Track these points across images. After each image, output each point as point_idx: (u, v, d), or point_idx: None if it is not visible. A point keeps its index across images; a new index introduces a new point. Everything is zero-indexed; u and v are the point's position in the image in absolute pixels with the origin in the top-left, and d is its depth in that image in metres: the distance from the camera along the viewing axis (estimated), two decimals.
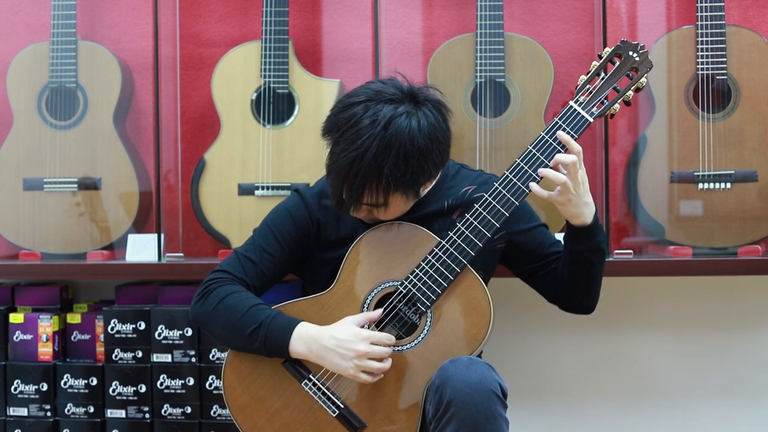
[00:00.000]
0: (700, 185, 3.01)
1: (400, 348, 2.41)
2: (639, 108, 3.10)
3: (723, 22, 2.98)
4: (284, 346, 2.40)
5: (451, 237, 2.39)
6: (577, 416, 3.27)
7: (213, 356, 3.02)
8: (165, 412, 3.03)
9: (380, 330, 2.42)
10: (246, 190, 3.10)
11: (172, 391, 3.03)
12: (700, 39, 2.99)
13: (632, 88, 2.43)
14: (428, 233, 2.44)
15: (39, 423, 3.08)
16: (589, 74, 2.43)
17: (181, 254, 3.16)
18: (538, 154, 2.39)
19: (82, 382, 3.07)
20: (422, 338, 2.40)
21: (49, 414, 3.08)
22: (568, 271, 2.53)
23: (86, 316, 3.15)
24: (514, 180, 2.39)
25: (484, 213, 2.39)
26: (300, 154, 3.09)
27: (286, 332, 2.41)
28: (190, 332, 3.03)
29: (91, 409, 3.07)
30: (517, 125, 3.05)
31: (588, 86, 2.42)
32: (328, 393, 2.43)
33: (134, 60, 3.28)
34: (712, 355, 3.23)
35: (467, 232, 2.39)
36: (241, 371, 2.48)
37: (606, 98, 2.41)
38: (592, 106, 2.41)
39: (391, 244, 2.45)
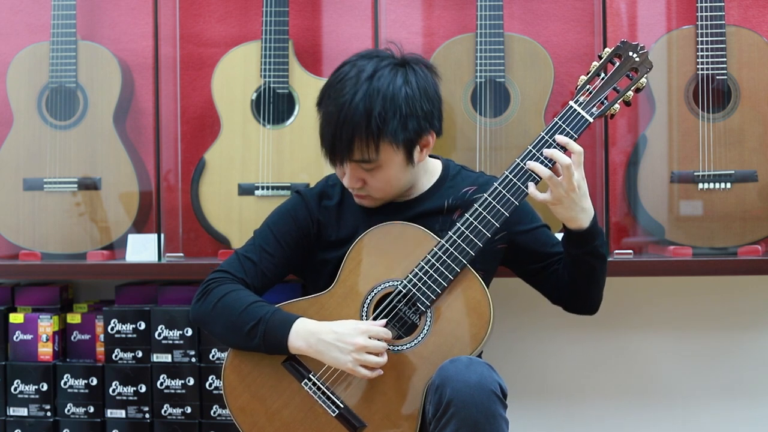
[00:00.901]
0: (700, 185, 3.01)
1: (399, 348, 2.41)
2: (639, 108, 3.10)
3: (723, 22, 2.98)
4: (283, 341, 2.40)
5: (451, 237, 2.39)
6: (577, 416, 3.27)
7: (213, 356, 3.03)
8: (165, 412, 3.03)
9: None
10: (246, 190, 3.10)
11: (172, 391, 3.03)
12: (700, 39, 2.99)
13: (632, 88, 2.43)
14: (428, 233, 2.44)
15: (39, 423, 3.08)
16: (589, 74, 2.43)
17: (181, 254, 3.17)
18: (537, 154, 2.39)
19: (82, 382, 3.07)
20: (422, 338, 2.40)
21: (49, 414, 3.08)
22: (568, 273, 2.54)
23: (86, 316, 3.15)
24: (514, 180, 2.39)
25: (484, 213, 2.39)
26: (300, 154, 3.09)
27: (284, 327, 2.41)
28: (190, 332, 3.03)
29: (91, 409, 3.07)
30: (517, 125, 3.05)
31: (588, 86, 2.42)
32: (328, 393, 2.43)
33: (134, 60, 3.28)
34: (712, 355, 3.23)
35: (467, 232, 2.39)
36: (241, 371, 2.48)
37: (606, 98, 2.41)
38: (592, 107, 2.41)
39: (391, 244, 2.45)
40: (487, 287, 2.42)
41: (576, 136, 2.38)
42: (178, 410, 3.03)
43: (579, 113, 2.40)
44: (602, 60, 2.43)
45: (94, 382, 3.07)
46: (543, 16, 3.20)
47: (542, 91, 3.06)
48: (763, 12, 3.13)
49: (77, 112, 3.18)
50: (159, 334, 3.04)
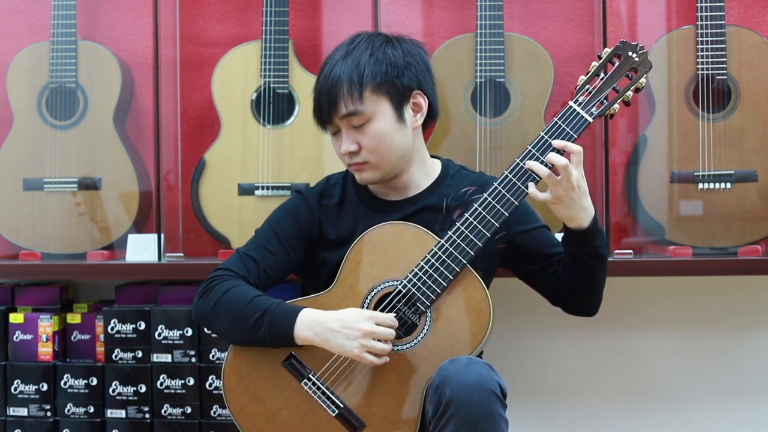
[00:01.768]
0: (700, 185, 3.01)
1: (399, 348, 2.41)
2: (639, 108, 3.10)
3: (723, 22, 2.98)
4: (289, 331, 2.40)
5: (451, 237, 2.39)
6: (577, 416, 3.27)
7: (213, 356, 3.03)
8: (165, 412, 3.03)
9: None
10: (246, 190, 3.10)
11: (172, 391, 3.03)
12: (700, 39, 2.99)
13: (632, 88, 2.42)
14: (428, 233, 2.44)
15: (39, 423, 3.08)
16: (589, 74, 2.43)
17: (181, 254, 3.17)
18: (537, 154, 2.38)
19: (82, 382, 3.07)
20: (422, 338, 2.40)
21: (49, 414, 3.09)
22: (568, 273, 2.53)
23: (86, 316, 3.15)
24: (514, 180, 2.39)
25: (484, 213, 2.39)
26: (300, 154, 3.09)
27: (290, 317, 2.41)
28: (190, 332, 3.03)
29: (91, 409, 3.07)
30: (517, 125, 3.05)
31: (587, 86, 2.42)
32: (328, 392, 2.43)
33: (134, 60, 3.28)
34: (712, 355, 3.23)
35: (467, 232, 2.39)
36: (241, 371, 2.48)
37: (605, 98, 2.41)
38: (592, 107, 2.41)
39: (390, 243, 2.45)
40: (487, 287, 2.42)
41: (576, 136, 2.38)
42: (178, 410, 3.03)
43: (578, 113, 2.40)
44: (602, 60, 2.43)
45: (94, 382, 3.07)
46: (543, 16, 3.20)
47: (542, 91, 3.06)
48: (763, 12, 3.13)
49: (77, 112, 3.18)
50: (159, 334, 3.04)
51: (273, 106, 3.11)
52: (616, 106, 2.42)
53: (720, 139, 3.00)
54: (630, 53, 2.43)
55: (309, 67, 3.15)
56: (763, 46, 3.02)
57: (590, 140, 3.09)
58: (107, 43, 3.25)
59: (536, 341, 3.26)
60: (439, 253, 2.39)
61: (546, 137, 2.39)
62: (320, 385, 2.43)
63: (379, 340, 2.37)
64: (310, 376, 2.44)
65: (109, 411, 3.06)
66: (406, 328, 2.42)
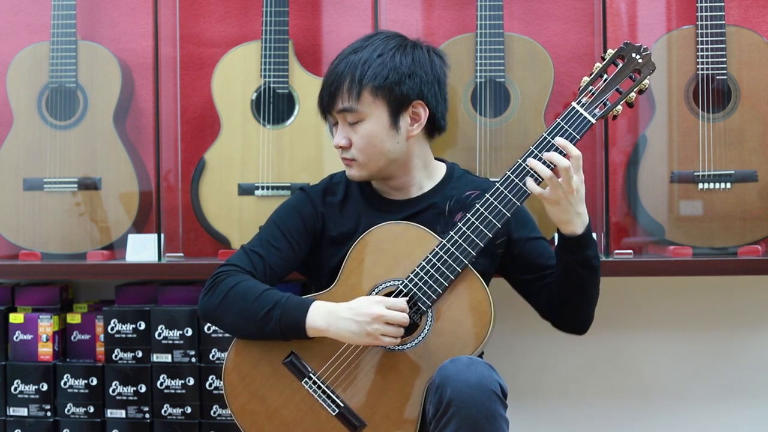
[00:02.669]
0: (700, 185, 3.01)
1: (400, 347, 2.41)
2: (639, 108, 3.10)
3: (723, 22, 2.99)
4: (301, 322, 2.40)
5: (452, 236, 2.39)
6: (577, 416, 3.27)
7: (213, 356, 3.02)
8: (165, 412, 3.03)
9: None
10: (246, 190, 3.10)
11: (172, 391, 3.03)
12: (700, 39, 2.99)
13: (635, 90, 2.43)
14: (429, 233, 2.44)
15: (39, 423, 3.08)
16: (592, 76, 2.43)
17: (181, 254, 3.17)
18: (540, 155, 2.38)
19: (82, 382, 3.07)
20: (423, 338, 2.40)
21: (49, 414, 3.08)
22: (558, 282, 2.52)
23: (86, 316, 3.15)
24: (516, 180, 2.39)
25: (486, 213, 2.39)
26: (300, 154, 3.09)
27: (302, 309, 2.41)
28: (190, 332, 3.03)
29: (91, 409, 3.07)
30: (517, 125, 3.05)
31: (590, 87, 2.42)
32: (329, 392, 2.43)
33: (134, 60, 3.28)
34: (712, 355, 3.23)
35: (468, 232, 2.39)
36: (242, 369, 2.48)
37: (608, 100, 2.41)
38: (595, 108, 2.41)
39: (392, 243, 2.45)
40: (488, 288, 2.42)
41: (578, 137, 2.39)
42: (178, 410, 3.03)
43: (581, 114, 2.40)
44: (605, 61, 2.43)
45: (94, 382, 3.07)
46: (543, 16, 3.20)
47: (542, 91, 3.06)
48: (763, 12, 3.14)
49: (77, 112, 3.18)
50: (159, 334, 3.04)
51: (273, 106, 3.11)
52: (619, 107, 2.42)
53: (720, 139, 3.00)
54: (634, 55, 2.43)
55: (309, 67, 3.15)
56: (763, 46, 3.02)
57: (590, 140, 3.09)
58: (107, 43, 3.25)
59: (537, 341, 3.26)
60: (441, 252, 2.39)
61: (549, 138, 2.39)
62: (321, 384, 2.43)
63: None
64: (310, 375, 2.44)
65: (109, 411, 3.06)
66: (407, 328, 2.42)
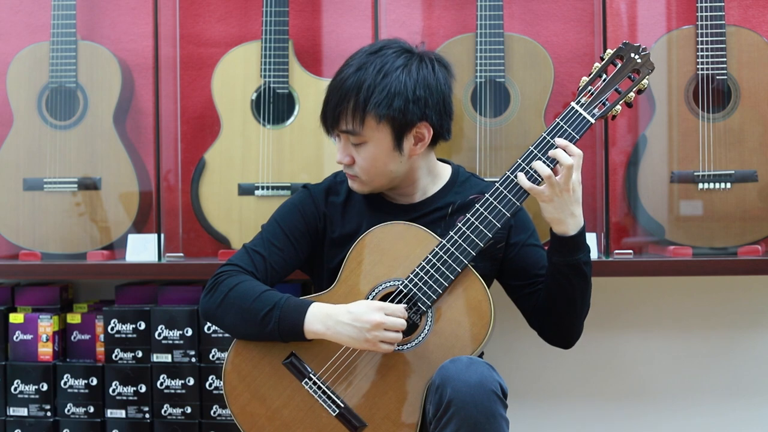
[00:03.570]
0: (700, 185, 3.01)
1: (400, 347, 2.41)
2: (639, 108, 3.10)
3: (723, 22, 2.99)
4: (299, 325, 2.40)
5: (452, 237, 2.39)
6: (577, 416, 3.27)
7: (213, 356, 3.03)
8: (165, 412, 3.03)
9: None
10: (246, 190, 3.10)
11: (172, 391, 3.03)
12: (700, 39, 2.99)
13: (634, 89, 2.43)
14: (429, 233, 2.44)
15: (39, 423, 3.08)
16: (591, 76, 2.43)
17: (181, 254, 3.17)
18: (539, 155, 2.39)
19: (82, 382, 3.07)
20: (423, 338, 2.40)
21: (49, 414, 3.09)
22: (546, 287, 2.50)
23: (86, 316, 3.15)
24: (516, 180, 2.39)
25: (485, 213, 2.39)
26: (300, 154, 3.10)
27: (300, 311, 2.40)
28: (190, 332, 3.03)
29: (91, 409, 3.07)
30: (517, 125, 3.05)
31: (590, 87, 2.42)
32: (329, 392, 2.43)
33: (134, 60, 3.28)
34: (712, 355, 3.23)
35: (468, 232, 2.39)
36: (242, 370, 2.48)
37: (607, 100, 2.41)
38: (594, 108, 2.41)
39: (392, 243, 2.45)
40: (488, 289, 2.42)
41: (577, 137, 2.39)
42: (178, 410, 3.03)
43: (581, 114, 2.40)
44: (604, 61, 2.44)
45: (94, 382, 3.07)
46: (543, 16, 3.20)
47: (542, 91, 3.06)
48: (763, 12, 3.14)
49: (77, 112, 3.18)
50: (159, 334, 3.04)
51: (273, 106, 3.11)
52: (618, 107, 2.42)
53: (720, 139, 3.00)
54: (632, 55, 2.43)
55: (309, 67, 3.15)
56: (763, 46, 3.02)
57: (590, 140, 3.10)
58: (107, 43, 3.25)
59: (537, 341, 3.23)
60: (441, 253, 2.39)
61: (548, 138, 2.39)
62: (321, 385, 2.43)
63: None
64: (310, 375, 2.44)
65: (109, 411, 3.06)
66: (407, 328, 2.42)
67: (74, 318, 3.15)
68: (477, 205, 2.40)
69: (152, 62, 3.21)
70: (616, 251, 3.05)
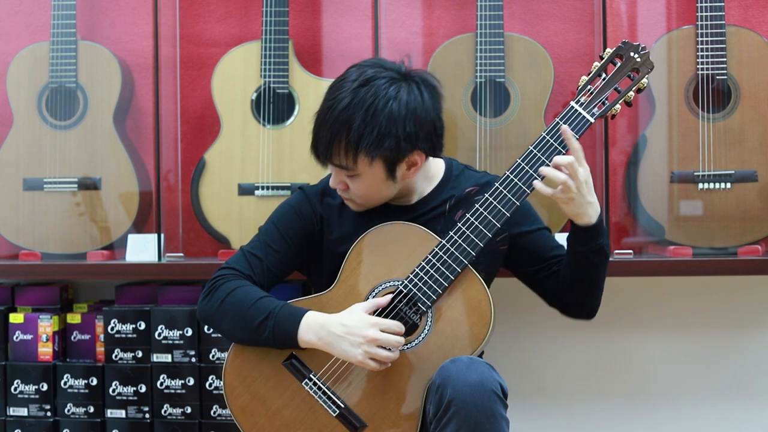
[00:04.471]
0: (700, 185, 3.01)
1: (400, 348, 2.40)
2: (639, 108, 3.10)
3: (723, 22, 2.99)
4: (293, 334, 2.40)
5: (452, 237, 2.39)
6: (577, 416, 3.27)
7: (213, 356, 3.03)
8: (165, 412, 3.03)
9: None
10: (246, 190, 3.10)
11: (172, 391, 3.03)
12: (700, 39, 2.99)
13: (633, 89, 2.43)
14: (429, 233, 2.44)
15: (39, 423, 3.08)
16: (591, 75, 2.43)
17: (181, 254, 3.17)
18: (539, 154, 2.39)
19: (82, 382, 3.07)
20: (423, 338, 2.40)
21: (49, 414, 3.09)
22: (570, 273, 2.52)
23: (86, 316, 3.15)
24: (515, 180, 2.39)
25: (485, 213, 2.39)
26: (300, 154, 3.09)
27: (294, 321, 2.40)
28: (190, 332, 3.03)
29: (91, 409, 3.07)
30: (517, 125, 3.05)
31: (589, 87, 2.42)
32: (329, 392, 2.43)
33: (134, 60, 3.28)
34: (712, 355, 3.23)
35: (468, 232, 2.39)
36: (242, 371, 2.48)
37: (607, 99, 2.41)
38: (593, 107, 2.41)
39: (392, 243, 2.45)
40: (489, 288, 2.42)
41: (577, 136, 2.38)
42: (178, 410, 3.03)
43: (580, 113, 2.40)
44: (603, 60, 2.44)
45: (94, 382, 3.07)
46: (543, 16, 3.20)
47: (542, 91, 3.06)
48: (763, 12, 3.14)
49: (77, 112, 3.18)
50: (159, 334, 3.04)
51: (273, 106, 3.11)
52: (618, 106, 2.42)
53: (720, 139, 3.00)
54: (632, 54, 2.43)
55: (309, 67, 3.15)
56: (763, 46, 3.02)
57: (590, 140, 3.09)
58: (107, 43, 3.25)
59: (537, 341, 3.26)
60: (440, 253, 2.39)
61: (548, 138, 2.39)
62: (321, 385, 2.43)
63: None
64: (310, 376, 2.44)
65: (109, 411, 3.06)
66: (407, 328, 2.42)
67: (74, 318, 3.15)
68: (477, 205, 2.40)
69: (152, 62, 3.21)
70: (617, 251, 3.05)
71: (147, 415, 3.04)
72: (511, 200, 2.39)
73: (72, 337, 3.15)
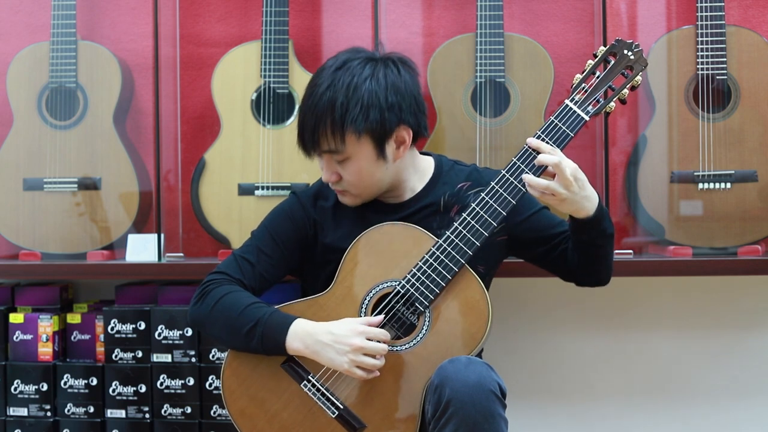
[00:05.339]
0: (700, 185, 3.01)
1: (398, 348, 2.41)
2: (639, 108, 3.10)
3: (723, 22, 2.98)
4: (281, 343, 2.40)
5: (449, 236, 2.39)
6: (576, 416, 3.27)
7: (213, 356, 3.03)
8: (165, 412, 3.03)
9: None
10: (246, 190, 3.10)
11: (172, 391, 3.03)
12: (700, 39, 2.99)
13: (627, 86, 2.43)
14: (426, 233, 2.44)
15: (39, 423, 3.08)
16: (585, 73, 2.43)
17: (181, 254, 3.17)
18: (536, 154, 2.39)
19: (82, 382, 3.08)
20: (421, 338, 2.40)
21: (49, 414, 3.09)
22: (578, 256, 2.53)
23: (86, 316, 3.15)
24: (511, 179, 2.39)
25: (482, 213, 2.39)
26: (300, 155, 3.07)
27: (282, 329, 2.41)
28: (190, 332, 3.03)
29: (91, 409, 3.07)
30: (517, 125, 3.05)
31: (583, 85, 2.43)
32: (327, 394, 2.43)
33: (134, 60, 3.28)
34: (712, 355, 3.23)
35: (464, 232, 2.39)
36: (240, 373, 2.48)
37: (601, 97, 2.42)
38: (588, 105, 2.41)
39: (388, 244, 2.45)
40: (490, 282, 2.43)
41: (572, 134, 2.39)
42: (178, 410, 3.03)
43: (575, 111, 2.41)
44: (597, 58, 2.44)
45: (94, 382, 3.07)
46: (543, 16, 3.20)
47: (542, 91, 3.06)
48: (763, 12, 3.13)
49: (77, 112, 3.18)
50: (159, 334, 3.04)
51: (273, 106, 3.11)
52: (613, 104, 2.43)
53: (720, 139, 3.00)
54: (625, 51, 2.44)
55: (309, 67, 3.15)
56: (763, 46, 3.02)
57: (590, 140, 3.10)
58: (107, 43, 3.25)
59: (536, 341, 3.25)
60: (437, 253, 2.39)
61: (543, 136, 2.39)
62: (320, 387, 2.43)
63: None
64: (309, 377, 2.44)
65: (109, 411, 3.06)
66: (405, 329, 2.42)
67: (74, 318, 3.15)
68: (473, 204, 2.40)
69: (152, 62, 3.21)
70: (617, 251, 3.03)
71: (147, 415, 3.04)
72: (507, 199, 2.39)
73: (72, 337, 3.15)
